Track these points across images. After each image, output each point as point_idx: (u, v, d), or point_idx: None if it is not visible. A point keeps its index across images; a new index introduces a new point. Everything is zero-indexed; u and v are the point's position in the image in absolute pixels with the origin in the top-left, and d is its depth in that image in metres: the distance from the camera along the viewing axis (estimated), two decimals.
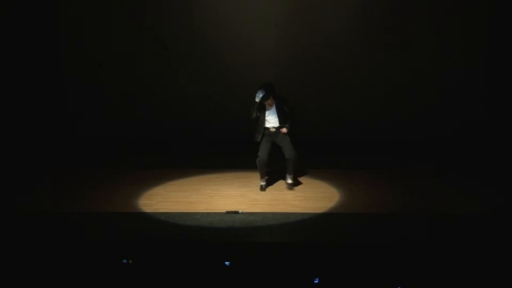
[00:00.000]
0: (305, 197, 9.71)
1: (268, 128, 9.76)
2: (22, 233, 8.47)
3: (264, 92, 9.48)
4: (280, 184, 10.33)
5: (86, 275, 7.23)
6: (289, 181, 10.03)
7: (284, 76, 12.98)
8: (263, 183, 10.05)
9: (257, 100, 9.48)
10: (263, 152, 9.79)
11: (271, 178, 10.22)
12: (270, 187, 10.16)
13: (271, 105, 9.72)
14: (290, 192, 9.92)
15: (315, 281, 6.88)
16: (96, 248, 7.82)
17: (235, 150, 12.25)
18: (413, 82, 12.98)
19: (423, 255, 7.45)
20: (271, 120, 9.75)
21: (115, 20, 13.22)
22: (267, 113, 9.72)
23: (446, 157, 11.98)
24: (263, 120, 9.72)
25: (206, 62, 13.20)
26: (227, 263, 6.95)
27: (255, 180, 10.34)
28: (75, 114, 13.45)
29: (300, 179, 10.60)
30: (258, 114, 9.67)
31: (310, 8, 13.01)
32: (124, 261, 6.92)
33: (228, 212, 9.05)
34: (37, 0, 12.73)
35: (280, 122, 9.74)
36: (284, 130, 9.76)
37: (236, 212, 9.05)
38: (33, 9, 12.60)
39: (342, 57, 13.05)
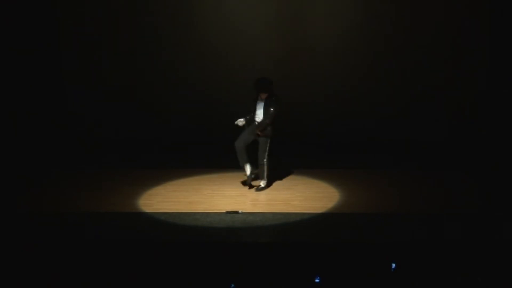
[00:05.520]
0: (305, 197, 9.71)
1: (256, 121, 9.84)
2: (21, 233, 8.47)
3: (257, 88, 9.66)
4: (279, 184, 10.33)
5: (86, 275, 7.23)
6: (259, 183, 10.02)
7: (284, 77, 12.95)
8: (247, 173, 9.96)
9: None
10: (239, 139, 9.84)
11: (270, 178, 10.21)
12: (270, 187, 10.15)
13: (262, 100, 9.76)
14: (290, 192, 9.92)
15: (316, 280, 6.88)
16: (96, 248, 7.83)
17: (235, 150, 12.24)
18: (414, 82, 12.95)
19: (423, 255, 7.46)
20: (258, 114, 9.82)
21: (115, 20, 13.20)
22: (257, 106, 9.82)
23: (445, 157, 11.97)
24: (254, 113, 9.85)
25: (207, 63, 13.17)
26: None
27: (255, 180, 10.34)
28: (75, 114, 13.43)
29: (300, 179, 10.60)
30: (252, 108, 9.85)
31: (308, 9, 13.00)
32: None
33: (228, 212, 9.06)
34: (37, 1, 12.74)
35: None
36: (257, 131, 9.78)
37: (236, 212, 9.05)
38: (33, 10, 12.59)
39: (343, 57, 13.02)
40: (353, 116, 13.07)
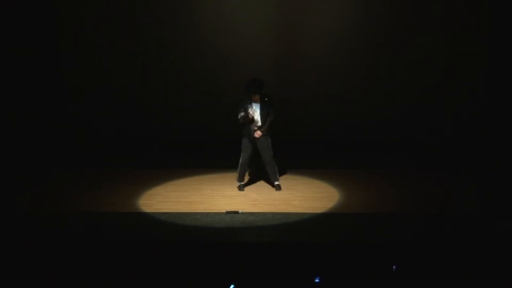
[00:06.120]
0: (305, 197, 9.71)
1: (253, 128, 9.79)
2: (22, 233, 8.48)
3: (250, 90, 9.56)
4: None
5: (87, 275, 7.23)
6: (276, 182, 10.04)
7: (284, 77, 12.97)
8: (241, 183, 10.07)
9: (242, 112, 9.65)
10: (245, 152, 9.85)
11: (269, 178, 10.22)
12: (270, 187, 10.15)
13: (256, 102, 9.72)
14: (290, 192, 9.92)
15: (316, 280, 6.88)
16: (96, 248, 7.83)
17: (235, 150, 12.25)
18: (414, 82, 12.95)
19: (423, 255, 7.46)
20: (255, 117, 9.76)
21: (115, 20, 13.19)
22: (253, 109, 9.75)
23: (445, 157, 11.97)
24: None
25: (207, 62, 13.16)
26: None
27: (255, 180, 10.34)
28: (75, 114, 13.44)
29: (300, 179, 10.60)
30: (247, 111, 9.69)
31: (308, 9, 12.99)
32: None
33: (228, 212, 9.06)
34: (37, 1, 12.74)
35: (261, 121, 9.74)
36: (257, 134, 9.73)
37: (236, 212, 9.06)
38: (33, 10, 12.59)
39: (343, 57, 13.02)
40: (353, 116, 13.07)
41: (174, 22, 13.13)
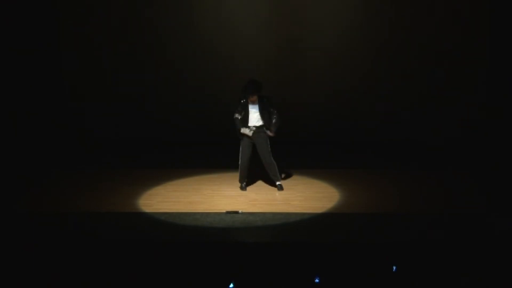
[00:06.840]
0: (305, 197, 9.71)
1: (249, 127, 9.77)
2: (22, 233, 8.48)
3: (248, 90, 9.56)
4: None
5: (86, 275, 7.23)
6: (277, 182, 10.04)
7: (284, 77, 12.96)
8: (243, 184, 10.07)
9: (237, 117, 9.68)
10: (244, 154, 9.84)
11: (271, 178, 10.21)
12: (270, 187, 10.15)
13: (254, 103, 9.71)
14: (290, 192, 9.92)
15: (316, 281, 6.89)
16: (96, 248, 7.83)
17: (235, 150, 12.25)
18: (414, 82, 12.95)
19: (423, 255, 7.46)
20: (253, 119, 9.75)
21: (115, 20, 13.19)
22: (250, 110, 9.73)
23: (445, 157, 11.97)
24: (247, 118, 9.75)
25: (207, 62, 13.15)
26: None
27: (255, 180, 10.34)
28: (75, 114, 13.43)
29: (300, 179, 10.59)
30: (243, 112, 9.72)
31: (308, 9, 12.99)
32: None
33: (228, 212, 9.06)
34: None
35: (263, 122, 9.74)
36: (269, 133, 9.72)
37: (236, 212, 9.06)
38: (33, 10, 12.59)
39: (343, 57, 13.02)
40: (353, 116, 13.06)
41: (174, 22, 13.13)
